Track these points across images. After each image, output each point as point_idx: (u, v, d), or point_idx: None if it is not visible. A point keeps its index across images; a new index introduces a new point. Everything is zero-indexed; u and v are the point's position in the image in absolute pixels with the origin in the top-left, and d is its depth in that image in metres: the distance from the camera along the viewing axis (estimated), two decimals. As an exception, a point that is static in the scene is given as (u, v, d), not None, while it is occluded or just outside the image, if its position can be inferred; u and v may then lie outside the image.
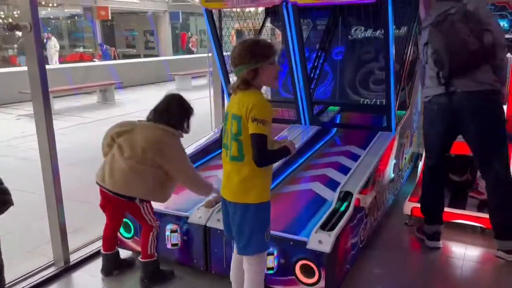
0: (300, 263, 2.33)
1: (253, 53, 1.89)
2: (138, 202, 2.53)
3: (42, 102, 2.61)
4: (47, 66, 2.67)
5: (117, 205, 2.56)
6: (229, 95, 2.23)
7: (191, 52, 20.93)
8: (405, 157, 4.07)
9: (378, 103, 4.01)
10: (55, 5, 17.99)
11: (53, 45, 15.11)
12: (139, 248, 2.83)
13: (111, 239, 2.73)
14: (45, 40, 14.77)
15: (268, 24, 4.62)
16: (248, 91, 1.90)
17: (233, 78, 4.14)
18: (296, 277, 2.35)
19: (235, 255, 2.18)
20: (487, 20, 2.61)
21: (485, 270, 2.80)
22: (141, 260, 2.62)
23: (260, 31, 4.52)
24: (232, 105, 1.95)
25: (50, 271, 2.79)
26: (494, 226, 2.86)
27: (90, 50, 19.96)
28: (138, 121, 2.62)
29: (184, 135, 2.62)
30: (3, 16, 18.22)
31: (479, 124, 2.69)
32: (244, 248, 2.00)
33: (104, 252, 2.74)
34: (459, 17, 2.59)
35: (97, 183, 2.54)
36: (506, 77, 2.68)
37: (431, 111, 2.89)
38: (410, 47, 3.84)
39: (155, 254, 2.64)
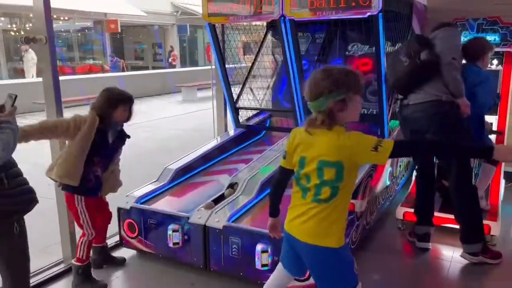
0: (292, 260, 2.47)
1: (342, 80, 1.66)
2: (77, 198, 2.66)
3: (55, 112, 2.80)
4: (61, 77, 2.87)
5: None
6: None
7: (173, 67, 20.10)
8: (400, 165, 4.22)
9: (372, 112, 4.18)
10: (66, 18, 18.45)
11: (30, 58, 14.04)
12: (143, 248, 3.01)
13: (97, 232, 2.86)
14: (22, 53, 14.47)
15: (269, 37, 4.82)
16: (334, 130, 1.68)
17: (235, 90, 4.36)
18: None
19: (276, 281, 2.05)
20: (435, 42, 2.94)
21: (470, 271, 2.93)
22: (72, 261, 2.81)
23: (261, 43, 4.72)
24: (315, 148, 1.72)
25: (60, 268, 2.97)
26: (460, 229, 3.04)
27: (99, 62, 20.35)
28: None
29: (189, 144, 2.80)
30: (15, 28, 18.69)
31: (434, 132, 2.89)
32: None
33: (93, 245, 2.90)
34: (406, 43, 3.08)
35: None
36: (458, 90, 2.85)
37: (399, 121, 3.30)
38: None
39: (85, 260, 2.76)
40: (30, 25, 18.62)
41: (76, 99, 10.06)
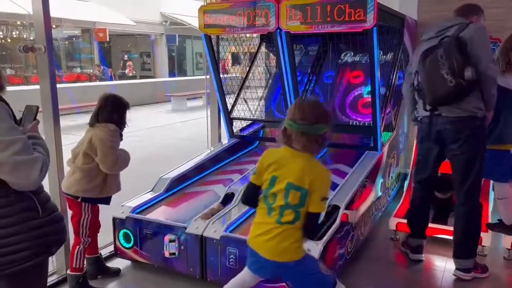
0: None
1: (330, 116, 1.92)
2: (82, 204, 2.69)
3: (52, 120, 2.80)
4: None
5: (69, 206, 2.76)
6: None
7: (127, 78, 19.44)
8: (392, 176, 4.28)
9: (366, 124, 4.25)
10: (54, 26, 18.36)
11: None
12: (139, 258, 2.99)
13: (92, 242, 2.88)
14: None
15: (263, 48, 4.88)
16: (312, 159, 1.88)
17: (229, 100, 4.38)
18: (286, 283, 2.51)
19: (242, 280, 2.18)
20: (476, 52, 2.66)
21: (462, 281, 2.97)
22: (67, 272, 2.78)
23: (255, 55, 4.78)
24: (287, 171, 1.87)
25: (52, 279, 2.92)
26: (454, 243, 3.02)
27: (88, 70, 20.24)
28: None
29: (182, 153, 2.81)
30: (1, 36, 18.51)
31: (460, 146, 2.85)
32: None
33: (86, 256, 2.89)
34: (445, 48, 2.69)
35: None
36: (493, 105, 2.80)
37: (421, 129, 3.12)
38: (395, 72, 4.10)
39: (83, 268, 2.77)
40: (17, 32, 18.50)
41: (66, 108, 10.01)
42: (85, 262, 2.81)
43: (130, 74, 20.33)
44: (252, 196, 2.05)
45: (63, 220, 1.70)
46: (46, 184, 2.83)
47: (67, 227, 1.76)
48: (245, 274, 2.15)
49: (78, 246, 2.73)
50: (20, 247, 1.50)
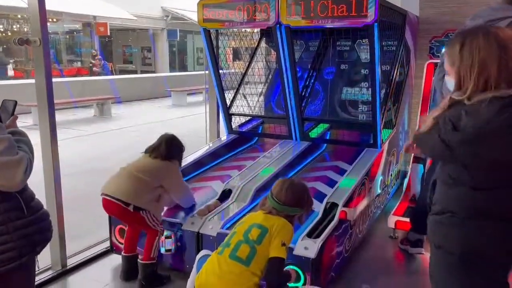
0: (286, 268, 2.46)
1: (311, 202, 2.15)
2: (142, 213, 2.67)
3: (47, 114, 2.76)
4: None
5: (123, 214, 2.71)
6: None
7: (94, 74, 17.54)
8: (391, 174, 4.25)
9: (365, 121, 4.21)
10: (54, 20, 18.27)
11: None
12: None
13: (129, 240, 2.86)
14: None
15: (263, 44, 4.84)
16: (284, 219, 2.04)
17: (228, 96, 4.34)
18: (283, 281, 2.49)
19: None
20: None
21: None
22: (142, 261, 2.74)
23: (255, 50, 4.73)
24: (256, 218, 2.05)
25: (48, 274, 2.90)
26: None
27: (89, 64, 20.16)
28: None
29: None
30: (1, 29, 18.46)
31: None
32: None
33: (124, 254, 2.86)
34: None
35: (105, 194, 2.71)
36: None
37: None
38: (396, 69, 4.05)
39: (156, 257, 2.76)
40: (17, 26, 18.43)
41: (65, 102, 9.99)
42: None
43: (98, 70, 18.13)
44: None
45: (49, 218, 1.66)
46: (41, 176, 2.83)
47: (53, 224, 1.72)
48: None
49: (157, 237, 2.73)
50: (5, 248, 1.47)
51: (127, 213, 2.65)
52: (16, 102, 1.65)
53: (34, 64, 2.74)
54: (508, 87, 1.36)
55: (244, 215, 2.88)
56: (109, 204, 2.67)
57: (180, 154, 2.93)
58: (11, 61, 16.88)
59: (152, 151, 2.82)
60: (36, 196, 1.65)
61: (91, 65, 18.60)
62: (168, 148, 2.82)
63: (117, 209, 2.66)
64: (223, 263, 1.91)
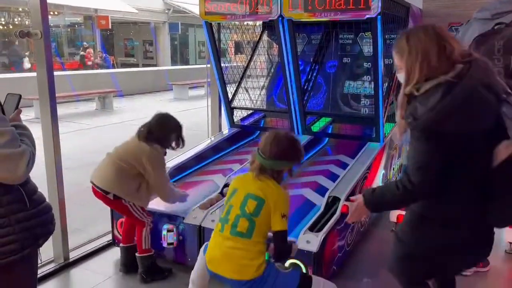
0: (289, 261, 2.47)
1: (300, 154, 2.01)
2: (124, 201, 2.66)
3: (49, 107, 2.76)
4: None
5: (107, 202, 2.71)
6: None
7: (88, 68, 17.13)
8: (394, 168, 4.24)
9: (367, 115, 4.20)
10: (55, 13, 18.23)
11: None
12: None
13: (126, 230, 2.87)
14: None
15: (265, 37, 4.81)
16: (274, 181, 1.94)
17: (230, 89, 4.33)
18: (285, 275, 2.49)
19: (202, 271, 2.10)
20: None
21: (462, 275, 2.94)
22: (138, 255, 2.75)
23: (257, 43, 4.71)
24: (248, 185, 1.95)
25: (50, 267, 2.92)
26: None
27: (80, 56, 20.09)
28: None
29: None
30: (3, 22, 18.42)
31: None
32: None
33: (121, 245, 2.87)
34: (506, 41, 2.37)
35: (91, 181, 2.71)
36: None
37: None
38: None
39: (151, 249, 2.76)
40: (19, 19, 18.39)
41: (67, 95, 9.98)
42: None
43: (89, 63, 18.04)
44: None
45: (51, 211, 1.65)
46: (43, 169, 2.83)
47: (56, 217, 1.72)
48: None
49: (144, 229, 2.72)
50: (7, 240, 1.47)
51: (110, 201, 2.66)
52: (20, 96, 1.65)
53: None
54: (447, 73, 1.51)
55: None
56: (94, 192, 2.69)
57: (167, 136, 2.69)
58: (26, 54, 16.81)
59: (139, 131, 2.70)
60: (39, 190, 1.64)
61: (82, 53, 18.43)
62: (152, 128, 2.65)
63: (101, 197, 2.67)
64: (226, 240, 1.92)
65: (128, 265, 2.86)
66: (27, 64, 16.28)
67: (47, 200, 1.68)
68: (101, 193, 2.64)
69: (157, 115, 2.72)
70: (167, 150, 2.76)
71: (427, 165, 1.57)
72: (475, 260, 1.94)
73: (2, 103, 1.52)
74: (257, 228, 1.89)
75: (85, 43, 20.08)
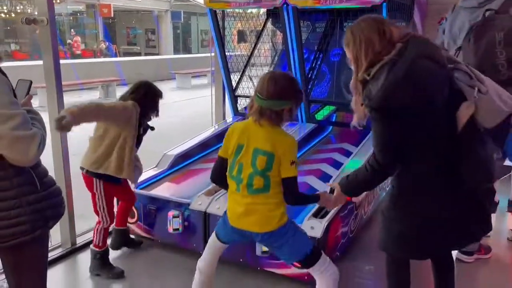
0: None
1: (298, 92, 1.92)
2: (96, 182, 2.64)
3: (55, 94, 2.78)
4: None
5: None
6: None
7: (74, 57, 16.78)
8: (397, 156, 4.25)
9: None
10: (58, 1, 18.16)
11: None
12: (142, 233, 3.02)
13: (119, 215, 2.92)
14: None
15: (269, 25, 4.80)
16: (277, 128, 1.89)
17: (234, 78, 4.34)
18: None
19: (215, 249, 2.14)
20: None
21: (464, 262, 2.97)
22: (90, 246, 2.79)
23: (261, 32, 4.69)
24: (253, 139, 1.89)
25: (57, 252, 2.97)
26: None
27: (95, 47, 20.09)
28: None
29: (187, 130, 2.79)
30: (5, 10, 18.37)
31: None
32: (294, 257, 2.03)
33: (114, 227, 2.92)
34: (507, 32, 2.30)
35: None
36: None
37: None
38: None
39: (101, 246, 2.74)
40: (21, 7, 18.33)
41: (71, 84, 9.99)
42: (107, 240, 2.79)
43: (77, 52, 17.83)
44: (219, 171, 2.02)
45: (61, 194, 1.68)
46: (50, 155, 2.86)
47: (65, 201, 1.75)
48: (214, 242, 2.13)
49: (98, 225, 2.74)
50: (18, 221, 1.50)
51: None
52: (31, 82, 1.67)
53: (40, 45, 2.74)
54: (389, 53, 1.61)
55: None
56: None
57: (154, 102, 2.73)
58: (12, 41, 16.79)
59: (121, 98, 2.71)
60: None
61: (69, 41, 18.19)
62: (134, 93, 2.65)
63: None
64: (245, 198, 1.92)
65: (114, 245, 2.95)
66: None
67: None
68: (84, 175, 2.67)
69: (137, 84, 2.73)
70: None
71: (387, 144, 1.67)
72: (466, 238, 1.89)
73: (15, 89, 1.54)
74: (272, 181, 1.88)
75: (72, 30, 19.94)
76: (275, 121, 1.87)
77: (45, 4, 2.64)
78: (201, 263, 2.14)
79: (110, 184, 2.68)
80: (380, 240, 1.93)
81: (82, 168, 2.67)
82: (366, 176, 1.79)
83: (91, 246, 2.77)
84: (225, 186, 2.03)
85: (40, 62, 2.84)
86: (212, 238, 2.13)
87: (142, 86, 2.72)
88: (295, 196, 1.93)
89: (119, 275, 2.75)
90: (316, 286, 2.05)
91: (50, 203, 1.59)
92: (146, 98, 2.69)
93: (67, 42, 18.66)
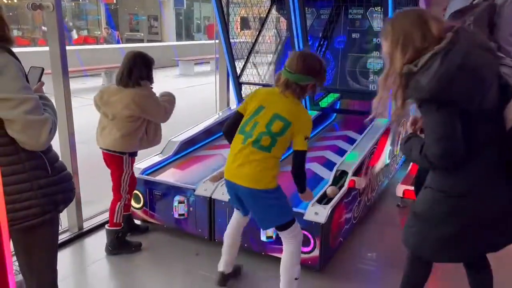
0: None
1: (323, 73, 2.09)
2: (125, 160, 2.74)
3: (62, 80, 2.80)
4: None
5: (109, 162, 2.79)
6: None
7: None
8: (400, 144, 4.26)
9: (376, 90, 4.19)
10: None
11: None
12: (148, 219, 3.06)
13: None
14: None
15: (273, 11, 4.77)
16: (299, 102, 2.07)
17: (239, 65, 4.33)
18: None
19: (236, 221, 2.39)
20: (498, 21, 2.23)
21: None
22: (106, 227, 2.84)
23: (265, 18, 4.67)
24: (276, 104, 2.05)
25: (65, 236, 3.01)
26: None
27: (96, 33, 19.97)
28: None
29: (191, 117, 2.82)
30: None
31: None
32: (275, 222, 2.16)
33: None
34: (477, 16, 2.26)
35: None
36: None
37: None
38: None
39: (121, 223, 2.83)
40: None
41: (74, 70, 9.97)
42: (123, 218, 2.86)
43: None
44: (233, 124, 2.17)
45: (72, 180, 1.71)
46: (57, 142, 2.89)
47: (76, 185, 1.77)
48: (235, 214, 2.38)
49: (119, 203, 2.79)
50: (30, 204, 1.53)
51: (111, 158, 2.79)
52: (43, 68, 1.69)
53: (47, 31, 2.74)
54: (438, 43, 1.51)
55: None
56: (105, 156, 2.82)
57: (149, 70, 2.74)
58: (14, 27, 16.59)
59: (117, 80, 2.72)
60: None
61: (44, 28, 17.80)
62: (132, 67, 2.66)
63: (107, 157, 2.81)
64: (247, 150, 2.04)
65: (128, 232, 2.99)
66: (75, 35, 17.43)
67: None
68: (111, 156, 2.74)
69: (128, 54, 2.73)
70: None
71: (448, 134, 1.50)
72: (505, 239, 1.74)
73: (27, 76, 1.56)
74: (278, 144, 2.02)
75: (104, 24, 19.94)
76: (299, 94, 2.04)
77: (51, -11, 2.64)
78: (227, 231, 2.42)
79: (133, 159, 2.83)
80: (413, 244, 1.80)
81: (107, 150, 2.72)
82: (417, 157, 1.62)
83: (109, 227, 2.81)
84: (231, 140, 2.15)
85: (42, 48, 2.84)
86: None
87: (139, 59, 2.72)
88: (300, 170, 2.08)
89: (139, 246, 2.89)
90: (284, 249, 2.18)
91: (60, 187, 1.63)
92: (145, 69, 2.73)
93: (42, 28, 18.17)
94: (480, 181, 1.60)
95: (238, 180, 2.07)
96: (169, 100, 2.82)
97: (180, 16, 24.60)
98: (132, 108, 2.61)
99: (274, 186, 2.08)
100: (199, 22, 23.87)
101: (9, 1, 18.15)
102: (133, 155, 2.82)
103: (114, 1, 19.95)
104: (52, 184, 1.59)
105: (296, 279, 2.19)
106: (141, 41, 21.98)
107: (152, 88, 2.76)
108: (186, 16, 25.28)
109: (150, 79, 2.74)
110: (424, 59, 1.51)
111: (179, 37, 23.28)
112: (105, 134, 2.73)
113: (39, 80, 1.67)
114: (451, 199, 1.64)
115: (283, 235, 2.16)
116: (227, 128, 2.22)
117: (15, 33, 17.89)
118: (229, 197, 2.30)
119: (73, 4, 21.47)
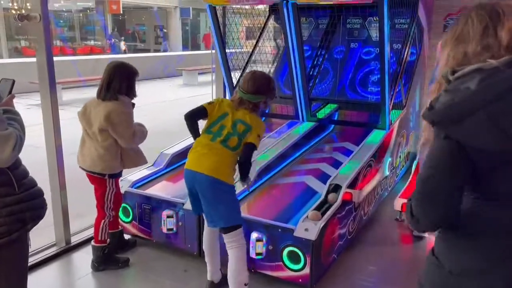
0: (287, 249, 2.45)
1: (272, 89, 2.37)
2: (107, 180, 2.66)
3: (49, 91, 2.75)
4: (60, 58, 2.79)
5: (91, 181, 2.71)
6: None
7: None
8: (400, 156, 4.17)
9: (374, 101, 4.11)
10: (67, -2, 18.25)
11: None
12: (137, 233, 2.98)
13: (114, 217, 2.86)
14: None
15: (272, 22, 4.72)
16: (254, 113, 2.32)
17: (236, 75, 4.27)
18: (283, 262, 2.47)
19: (208, 229, 2.44)
20: None
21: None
22: (92, 244, 2.77)
23: (263, 29, 4.62)
24: (237, 113, 2.31)
25: (52, 251, 2.94)
26: None
27: (100, 43, 20.15)
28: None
29: (185, 129, 2.71)
30: (16, 7, 18.48)
31: None
32: (223, 220, 2.26)
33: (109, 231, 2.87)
34: None
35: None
36: None
37: None
38: (407, 48, 3.92)
39: (107, 240, 2.75)
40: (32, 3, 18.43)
41: (75, 80, 10.00)
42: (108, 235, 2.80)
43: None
44: (196, 114, 2.38)
45: (42, 196, 1.64)
46: (43, 156, 2.83)
47: (47, 201, 1.71)
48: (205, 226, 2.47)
49: (103, 220, 2.72)
50: None
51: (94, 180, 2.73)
52: (14, 81, 1.63)
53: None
54: (504, 54, 1.09)
55: (245, 196, 2.88)
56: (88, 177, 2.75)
57: (130, 83, 2.61)
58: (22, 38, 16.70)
59: (97, 92, 2.62)
60: (39, 174, 1.62)
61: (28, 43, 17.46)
62: (111, 79, 2.55)
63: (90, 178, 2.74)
64: (214, 144, 2.26)
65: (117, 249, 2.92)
66: (122, 46, 19.00)
67: (42, 185, 1.67)
68: (93, 176, 2.67)
69: (108, 65, 2.61)
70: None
71: (437, 177, 1.11)
72: None
73: None
74: (241, 146, 2.27)
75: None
76: (252, 109, 2.31)
77: (38, 0, 2.61)
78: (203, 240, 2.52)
79: (117, 179, 2.77)
80: None
81: (92, 172, 2.64)
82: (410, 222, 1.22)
83: (94, 243, 2.75)
84: (191, 127, 2.39)
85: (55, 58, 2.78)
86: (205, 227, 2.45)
87: (116, 72, 2.59)
88: (245, 159, 2.29)
89: (127, 262, 2.82)
90: (229, 256, 2.29)
91: (29, 205, 1.56)
92: (126, 81, 2.60)
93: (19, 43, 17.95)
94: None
95: (199, 168, 2.22)
96: (141, 129, 2.66)
97: (187, 26, 24.76)
98: (103, 123, 2.49)
99: (232, 183, 2.28)
100: (205, 32, 24.04)
101: (17, 12, 18.40)
102: (114, 176, 2.70)
103: (121, 12, 20.10)
104: (19, 202, 1.52)
105: (245, 284, 2.29)
106: (148, 51, 22.12)
107: (132, 102, 2.63)
108: (192, 26, 25.44)
109: (130, 92, 2.61)
110: (463, 71, 1.12)
111: (185, 47, 23.42)
112: (84, 153, 2.63)
113: (10, 92, 1.60)
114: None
115: (226, 238, 2.28)
116: (191, 113, 2.38)
117: (22, 43, 18.10)
118: (190, 200, 2.41)
119: (81, 14, 21.70)
